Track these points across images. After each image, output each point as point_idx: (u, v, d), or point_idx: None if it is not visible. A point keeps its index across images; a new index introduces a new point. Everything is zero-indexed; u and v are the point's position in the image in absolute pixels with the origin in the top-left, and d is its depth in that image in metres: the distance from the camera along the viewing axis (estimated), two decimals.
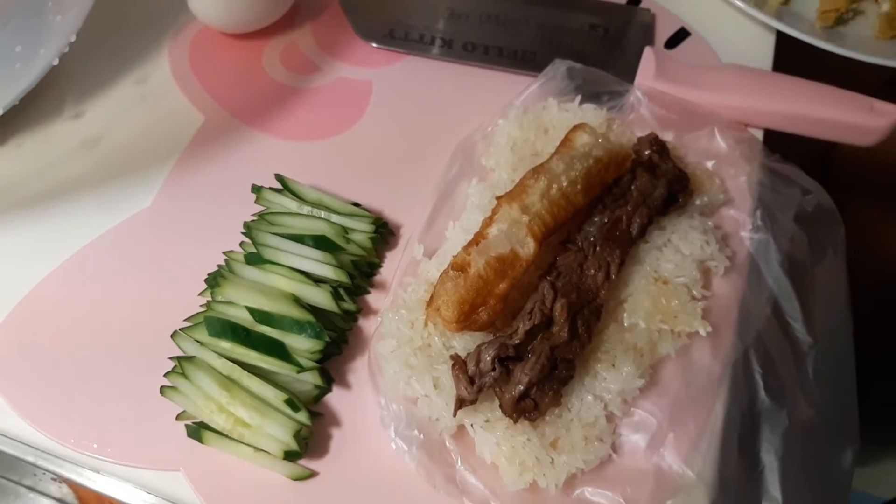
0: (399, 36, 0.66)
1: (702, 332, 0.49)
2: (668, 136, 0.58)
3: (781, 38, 0.69)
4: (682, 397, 0.47)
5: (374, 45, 0.66)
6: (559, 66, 0.60)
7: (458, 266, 0.46)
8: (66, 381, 0.48)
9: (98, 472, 0.47)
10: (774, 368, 0.49)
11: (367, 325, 0.51)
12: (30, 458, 0.48)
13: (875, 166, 0.93)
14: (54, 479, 0.57)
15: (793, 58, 0.69)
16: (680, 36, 0.68)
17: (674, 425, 0.46)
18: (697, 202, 0.55)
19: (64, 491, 0.65)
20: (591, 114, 0.58)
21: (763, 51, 0.69)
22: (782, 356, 0.49)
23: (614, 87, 0.60)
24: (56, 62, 0.54)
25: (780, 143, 0.61)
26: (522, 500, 0.43)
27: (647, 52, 0.63)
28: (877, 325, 0.96)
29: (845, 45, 0.66)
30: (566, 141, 0.53)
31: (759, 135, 0.61)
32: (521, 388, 0.44)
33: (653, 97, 0.60)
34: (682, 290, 0.50)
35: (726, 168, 0.57)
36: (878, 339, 0.90)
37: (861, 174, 0.95)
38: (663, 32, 0.69)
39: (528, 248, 0.48)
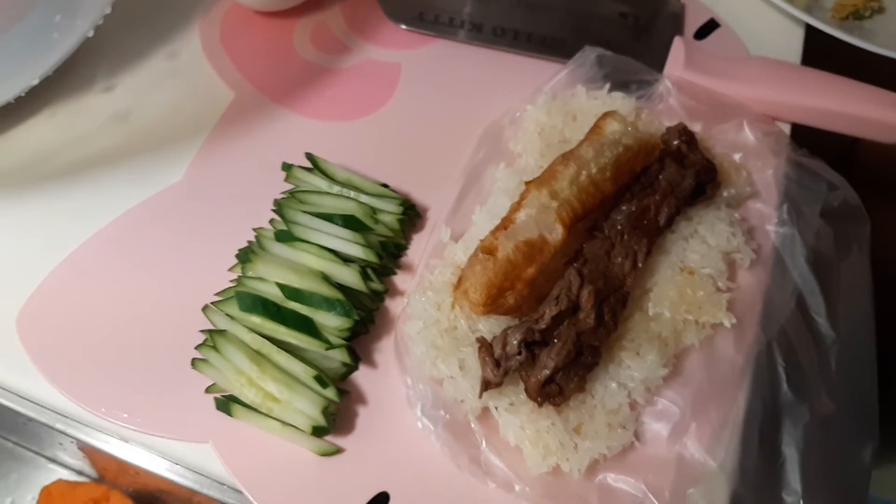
0: (429, 19, 0.66)
1: (726, 323, 0.49)
2: (696, 127, 0.58)
3: (810, 31, 0.69)
4: (706, 387, 0.48)
5: (404, 27, 0.66)
6: (589, 54, 0.60)
7: (487, 249, 0.47)
8: (97, 351, 0.48)
9: (126, 442, 0.47)
10: (797, 361, 0.49)
11: (393, 305, 0.51)
12: (59, 426, 0.49)
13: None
14: (77, 447, 0.58)
15: (821, 51, 0.69)
16: (709, 27, 0.68)
17: (696, 415, 0.47)
18: (724, 194, 0.55)
19: (83, 463, 0.66)
20: (620, 102, 0.58)
21: (792, 44, 0.68)
22: (805, 350, 0.50)
23: (643, 76, 0.60)
24: (91, 33, 0.55)
25: (805, 137, 0.61)
26: (545, 483, 0.44)
27: (677, 42, 0.62)
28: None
29: (872, 40, 0.66)
30: (596, 128, 0.54)
31: (787, 129, 0.61)
32: (547, 372, 0.44)
33: (682, 87, 0.60)
34: (708, 280, 0.50)
35: (753, 161, 0.58)
36: None
37: (886, 171, 0.95)
38: (693, 23, 0.68)
39: (556, 233, 0.48)
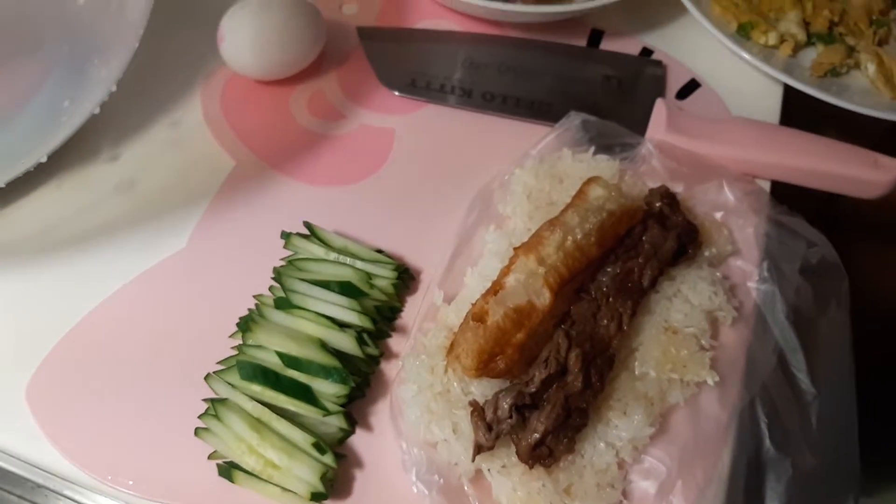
0: (420, 85, 0.69)
1: (710, 381, 0.51)
2: (678, 188, 0.60)
3: (789, 89, 0.72)
4: (691, 445, 0.49)
5: (397, 93, 0.69)
6: (574, 119, 0.63)
7: (478, 316, 0.49)
8: (105, 419, 0.50)
9: None
10: (779, 418, 0.51)
11: (388, 368, 0.53)
12: (67, 493, 0.50)
13: (884, 212, 0.95)
14: None
15: (801, 106, 0.72)
16: (691, 87, 0.71)
17: (682, 473, 0.48)
18: (706, 253, 0.57)
19: None
20: (604, 165, 0.61)
21: (771, 102, 0.71)
22: (787, 406, 0.51)
23: (627, 140, 0.63)
24: (97, 111, 0.57)
25: (786, 192, 0.63)
26: None
27: (659, 105, 0.65)
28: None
29: (845, 96, 0.68)
30: (580, 194, 0.56)
31: (767, 186, 0.63)
32: (537, 436, 0.46)
33: (663, 149, 0.62)
34: (692, 339, 0.52)
35: (734, 219, 0.60)
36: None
37: (869, 220, 0.97)
38: (675, 83, 0.71)
39: (543, 298, 0.50)
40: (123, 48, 0.58)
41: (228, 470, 0.47)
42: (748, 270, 0.58)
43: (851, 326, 0.55)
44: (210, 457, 0.48)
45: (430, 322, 0.54)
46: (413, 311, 0.56)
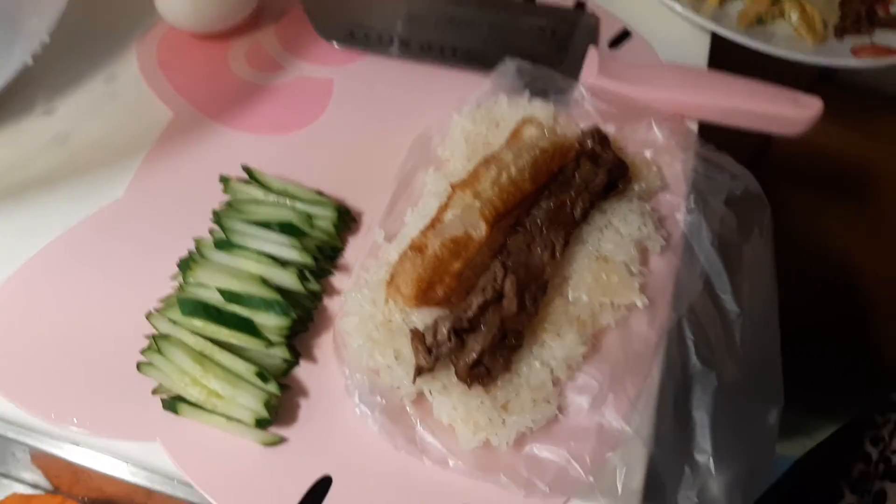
0: (359, 36, 0.70)
1: (639, 304, 0.53)
2: (609, 129, 0.63)
3: (717, 38, 0.75)
4: (622, 363, 0.52)
5: (336, 44, 0.69)
6: (509, 65, 0.65)
7: (416, 247, 0.50)
8: (46, 361, 0.50)
9: (77, 445, 0.49)
10: (705, 336, 0.53)
11: (331, 304, 0.54)
12: (11, 435, 0.50)
13: (808, 159, 1.00)
14: (31, 459, 0.59)
15: (729, 57, 0.75)
16: (622, 37, 0.73)
17: (614, 387, 0.50)
18: (636, 188, 0.60)
19: (37, 476, 0.67)
20: (539, 108, 0.62)
21: (699, 50, 0.74)
22: (713, 325, 0.54)
23: (560, 84, 0.65)
24: (30, 61, 0.57)
25: (718, 138, 0.66)
26: (477, 457, 0.47)
27: (591, 52, 0.67)
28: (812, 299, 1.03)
29: (771, 43, 0.71)
30: (515, 133, 0.58)
31: (695, 127, 0.66)
32: (474, 355, 0.48)
33: (596, 93, 0.65)
34: (622, 266, 0.54)
35: (663, 156, 0.62)
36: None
37: (796, 166, 1.02)
38: (607, 33, 0.73)
39: (480, 230, 0.52)
40: None
41: (173, 403, 0.48)
42: (676, 203, 0.60)
43: (774, 253, 0.58)
44: (154, 391, 0.49)
45: (371, 259, 0.55)
46: (355, 251, 0.57)
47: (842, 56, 0.75)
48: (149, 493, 0.54)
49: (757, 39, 0.73)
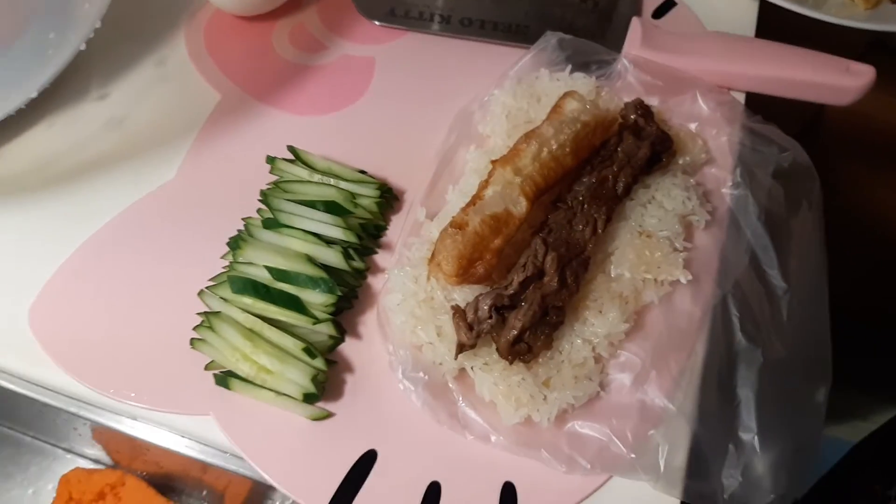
0: (400, 13, 0.70)
1: (683, 280, 0.53)
2: (653, 101, 0.62)
3: (764, 4, 0.72)
4: (665, 340, 0.52)
5: (377, 22, 0.70)
6: (550, 38, 0.64)
7: (457, 224, 0.51)
8: (104, 338, 0.53)
9: (135, 419, 0.52)
10: (751, 312, 0.53)
11: (375, 282, 0.55)
12: (72, 409, 0.53)
13: (861, 130, 0.96)
14: (91, 435, 0.62)
15: (777, 25, 0.72)
16: (666, 6, 0.72)
17: (657, 364, 0.50)
18: (680, 161, 0.59)
19: (98, 451, 0.70)
20: (581, 82, 0.62)
21: (747, 18, 0.72)
22: (758, 301, 0.53)
23: (603, 57, 0.64)
24: (83, 47, 0.59)
25: (768, 109, 0.65)
26: (518, 433, 0.48)
27: (634, 23, 0.66)
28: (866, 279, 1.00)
29: (822, 9, 0.69)
30: (556, 108, 0.57)
31: (741, 98, 0.65)
32: (515, 332, 0.48)
33: (639, 65, 0.64)
34: (665, 242, 0.54)
35: (708, 129, 0.61)
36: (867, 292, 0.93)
37: (849, 138, 0.98)
38: (650, 3, 0.72)
39: (520, 207, 0.52)
40: None
41: (224, 378, 0.49)
42: (722, 177, 0.59)
43: (825, 227, 0.57)
44: (207, 367, 0.50)
45: (413, 237, 0.56)
46: (398, 229, 0.58)
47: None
48: (204, 468, 0.56)
49: (806, 5, 0.70)
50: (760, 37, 0.70)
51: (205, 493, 0.68)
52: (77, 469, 0.68)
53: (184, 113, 0.64)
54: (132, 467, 0.67)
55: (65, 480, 0.67)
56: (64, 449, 0.74)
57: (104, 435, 0.61)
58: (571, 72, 0.63)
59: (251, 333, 0.50)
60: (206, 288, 0.52)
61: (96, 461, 0.72)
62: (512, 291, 0.50)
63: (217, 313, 0.51)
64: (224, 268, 0.54)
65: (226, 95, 0.65)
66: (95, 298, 0.54)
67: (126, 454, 0.66)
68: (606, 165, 0.56)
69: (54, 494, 0.66)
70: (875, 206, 0.99)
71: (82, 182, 0.60)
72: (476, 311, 0.49)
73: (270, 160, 0.59)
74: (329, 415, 0.49)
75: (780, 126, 0.61)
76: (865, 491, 0.83)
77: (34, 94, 0.57)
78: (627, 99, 0.61)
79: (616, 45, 0.66)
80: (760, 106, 0.64)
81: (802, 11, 0.70)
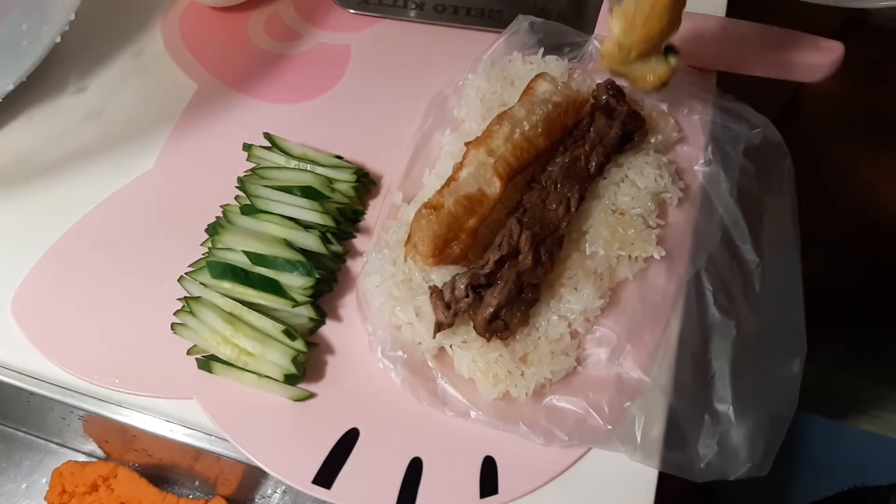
0: (373, 1, 0.70)
1: (656, 256, 0.54)
2: (625, 83, 0.62)
3: None
4: (640, 315, 0.53)
5: (351, 10, 0.70)
6: (522, 22, 0.65)
7: (431, 205, 0.51)
8: (87, 326, 0.53)
9: (120, 405, 0.52)
10: (724, 286, 0.53)
11: (354, 265, 0.56)
12: (58, 397, 0.53)
13: (839, 110, 0.97)
14: (81, 427, 0.62)
15: (749, 5, 0.73)
16: None
17: (632, 339, 0.51)
18: (652, 140, 0.59)
19: (91, 445, 0.70)
20: (553, 65, 0.62)
21: (717, 2, 0.73)
22: (731, 275, 0.54)
23: (574, 39, 0.64)
24: (58, 39, 0.59)
25: (739, 87, 0.65)
26: (497, 407, 0.49)
27: (605, 5, 0.67)
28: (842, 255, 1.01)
29: None
30: (528, 89, 0.58)
31: (713, 77, 0.65)
32: (492, 309, 0.49)
33: None
34: (638, 219, 0.55)
35: (680, 108, 0.62)
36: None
37: (827, 118, 0.99)
38: None
39: (494, 187, 0.52)
40: None
41: (207, 362, 0.50)
42: (694, 154, 0.60)
43: (797, 201, 0.58)
44: (189, 352, 0.51)
45: (391, 220, 0.56)
46: (375, 213, 0.58)
47: None
48: (195, 457, 0.57)
49: None
50: (732, 17, 0.71)
51: (197, 482, 0.68)
52: (69, 462, 0.68)
53: (161, 104, 0.65)
54: (124, 459, 0.68)
55: (57, 473, 0.67)
56: (56, 443, 0.74)
57: (94, 426, 0.61)
58: (544, 55, 0.63)
59: (231, 317, 0.50)
60: (186, 274, 0.53)
61: (89, 455, 0.72)
62: (488, 270, 0.50)
63: (197, 298, 0.51)
64: (203, 254, 0.55)
65: (202, 86, 0.66)
66: (77, 287, 0.55)
67: (117, 446, 0.66)
68: (579, 145, 0.57)
69: (48, 488, 0.67)
70: (853, 185, 1.00)
71: (63, 174, 0.61)
72: (453, 290, 0.50)
73: (247, 147, 0.59)
74: (311, 395, 0.50)
75: (757, 108, 0.62)
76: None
77: (10, 87, 0.58)
78: (600, 80, 0.62)
79: (588, 27, 0.66)
80: (737, 87, 0.65)
81: None
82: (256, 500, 0.68)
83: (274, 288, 0.51)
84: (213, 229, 0.55)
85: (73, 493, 0.67)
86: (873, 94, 1.03)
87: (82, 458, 0.72)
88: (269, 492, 0.66)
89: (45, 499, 0.66)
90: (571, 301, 0.52)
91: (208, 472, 0.64)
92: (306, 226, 0.54)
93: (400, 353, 0.50)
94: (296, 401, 0.50)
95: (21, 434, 0.75)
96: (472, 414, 0.49)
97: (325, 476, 0.47)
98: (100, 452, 0.70)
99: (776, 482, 1.07)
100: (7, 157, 0.61)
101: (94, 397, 0.52)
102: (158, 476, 0.68)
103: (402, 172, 0.59)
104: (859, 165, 1.06)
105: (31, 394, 0.54)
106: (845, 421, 1.14)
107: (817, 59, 0.63)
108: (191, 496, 0.67)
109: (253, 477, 0.62)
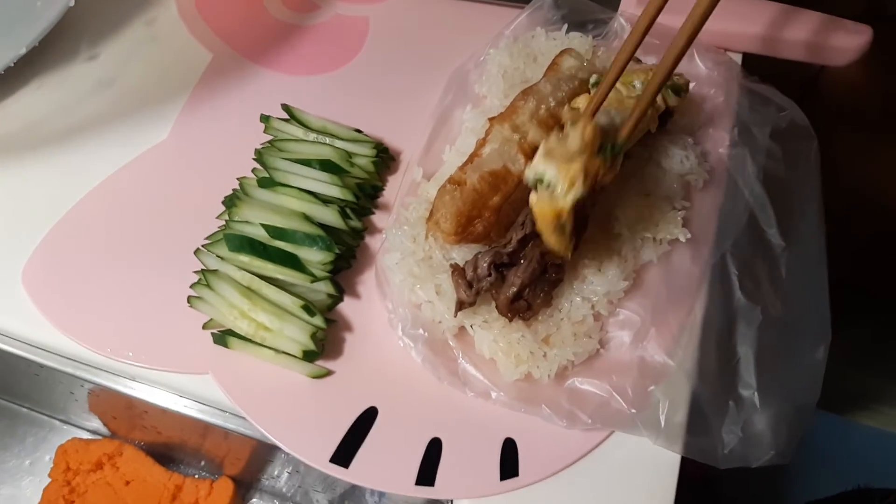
0: None
1: (681, 238, 0.53)
2: (649, 60, 0.61)
3: None
4: (664, 298, 0.52)
5: None
6: None
7: (455, 181, 0.50)
8: (100, 298, 0.52)
9: (133, 379, 0.51)
10: (750, 270, 0.53)
11: (372, 242, 0.55)
12: (69, 370, 0.52)
13: (857, 97, 0.96)
14: (87, 403, 0.61)
15: None
16: None
17: (656, 322, 0.50)
18: (679, 122, 0.58)
19: (96, 423, 0.70)
20: (577, 41, 0.61)
21: None
22: (757, 259, 0.53)
23: (599, 16, 0.63)
24: (72, 3, 0.57)
25: (765, 70, 0.64)
26: (519, 389, 0.48)
27: None
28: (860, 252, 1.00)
29: None
30: (553, 65, 0.57)
31: (739, 58, 0.64)
32: (515, 289, 0.48)
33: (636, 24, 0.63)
34: (664, 201, 0.54)
35: (706, 89, 0.61)
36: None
37: (845, 105, 0.98)
38: None
39: (518, 163, 0.51)
40: None
41: (223, 337, 0.49)
42: (720, 137, 0.59)
43: (822, 187, 0.57)
44: (205, 326, 0.50)
45: (411, 197, 0.55)
46: (395, 189, 0.57)
47: None
48: (203, 436, 0.56)
49: None
50: None
51: (203, 462, 0.67)
52: (74, 439, 0.68)
53: (175, 73, 0.63)
54: (130, 437, 0.67)
55: (62, 450, 0.67)
56: (61, 420, 0.73)
57: (101, 401, 0.60)
58: (567, 31, 0.62)
59: (249, 291, 0.49)
60: (203, 246, 0.52)
61: (94, 432, 0.72)
62: (511, 249, 0.49)
63: (214, 271, 0.50)
64: (220, 227, 0.53)
65: (217, 55, 0.64)
66: (90, 259, 0.54)
67: (124, 423, 0.65)
68: None
69: (52, 465, 0.66)
70: (870, 175, 0.99)
71: (74, 143, 0.59)
72: (475, 268, 0.49)
73: (265, 119, 0.58)
74: (329, 373, 0.49)
75: (779, 90, 0.61)
76: None
77: (22, 51, 0.56)
78: None
79: (613, 4, 0.65)
80: (758, 70, 0.64)
81: None
82: (263, 480, 0.67)
83: (293, 262, 0.50)
84: (231, 201, 0.53)
85: (78, 470, 0.66)
86: (892, 82, 1.02)
87: (86, 435, 0.71)
88: (277, 472, 0.65)
89: (49, 475, 0.66)
90: (595, 282, 0.51)
91: (216, 450, 0.63)
92: (325, 200, 0.53)
93: (421, 331, 0.49)
94: (314, 378, 0.49)
95: (25, 410, 0.74)
96: (494, 395, 0.48)
97: (343, 455, 0.46)
98: (104, 430, 0.70)
99: (778, 477, 1.07)
100: (16, 125, 0.60)
101: (106, 371, 0.51)
102: (164, 455, 0.67)
103: (422, 148, 0.58)
104: (875, 154, 1.05)
105: (41, 366, 0.53)
106: (851, 417, 1.14)
107: (845, 42, 0.62)
108: (196, 476, 0.67)
109: (261, 457, 0.61)
